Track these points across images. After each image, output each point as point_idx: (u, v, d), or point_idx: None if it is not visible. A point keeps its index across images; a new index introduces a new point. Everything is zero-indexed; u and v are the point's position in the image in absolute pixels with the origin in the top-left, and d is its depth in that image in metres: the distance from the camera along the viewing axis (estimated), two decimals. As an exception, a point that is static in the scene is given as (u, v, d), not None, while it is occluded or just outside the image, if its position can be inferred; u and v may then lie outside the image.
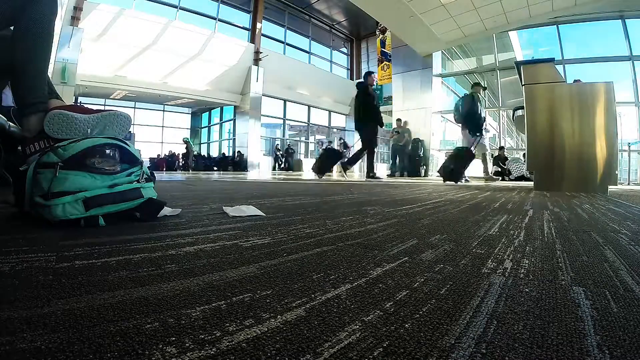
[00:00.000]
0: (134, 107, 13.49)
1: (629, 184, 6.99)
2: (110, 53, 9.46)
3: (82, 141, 0.92)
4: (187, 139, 12.68)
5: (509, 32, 9.95)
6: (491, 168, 6.79)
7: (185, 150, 12.38)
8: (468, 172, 5.01)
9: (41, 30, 0.97)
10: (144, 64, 10.01)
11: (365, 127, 5.24)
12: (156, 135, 14.78)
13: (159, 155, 13.79)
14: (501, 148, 8.68)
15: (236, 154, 12.55)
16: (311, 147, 16.68)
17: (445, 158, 5.39)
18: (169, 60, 10.00)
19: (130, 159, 1.01)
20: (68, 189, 0.84)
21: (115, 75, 9.78)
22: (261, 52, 12.79)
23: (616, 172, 3.16)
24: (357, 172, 14.51)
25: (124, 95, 11.95)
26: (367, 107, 5.19)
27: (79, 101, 8.97)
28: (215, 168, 13.01)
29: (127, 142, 1.02)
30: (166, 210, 1.08)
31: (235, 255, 0.63)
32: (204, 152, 15.18)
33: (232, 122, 14.02)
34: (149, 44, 10.00)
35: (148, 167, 1.09)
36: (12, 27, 0.97)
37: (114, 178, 0.93)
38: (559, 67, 8.01)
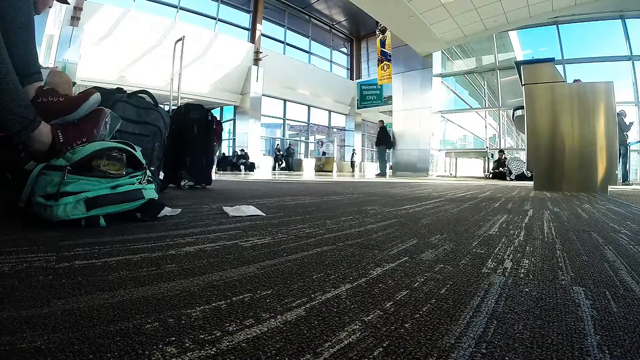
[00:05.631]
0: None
1: (629, 184, 6.99)
2: (112, 55, 9.46)
3: (90, 145, 0.93)
4: None
5: (509, 32, 9.96)
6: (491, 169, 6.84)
7: None
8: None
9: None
10: (145, 65, 10.02)
11: None
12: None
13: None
14: (501, 151, 8.68)
15: (240, 152, 12.45)
16: (311, 147, 16.69)
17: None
18: (170, 62, 10.03)
19: (136, 163, 1.02)
20: (71, 190, 0.84)
21: (117, 76, 9.77)
22: (261, 52, 12.80)
23: (616, 172, 3.17)
24: (357, 172, 14.53)
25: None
26: None
27: None
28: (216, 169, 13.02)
29: (134, 146, 1.03)
30: (166, 210, 1.08)
31: (235, 255, 0.63)
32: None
33: (232, 122, 14.03)
34: (150, 46, 10.00)
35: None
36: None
37: (117, 179, 0.94)
38: (559, 67, 8.02)
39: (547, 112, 3.35)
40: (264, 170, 12.67)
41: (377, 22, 11.82)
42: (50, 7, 1.20)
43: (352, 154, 16.27)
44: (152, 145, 1.57)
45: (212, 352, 0.29)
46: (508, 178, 7.58)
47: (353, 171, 15.23)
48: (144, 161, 1.04)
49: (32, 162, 1.00)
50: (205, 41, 11.16)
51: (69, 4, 1.37)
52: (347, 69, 18.14)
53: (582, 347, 0.32)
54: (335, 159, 14.70)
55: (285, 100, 14.79)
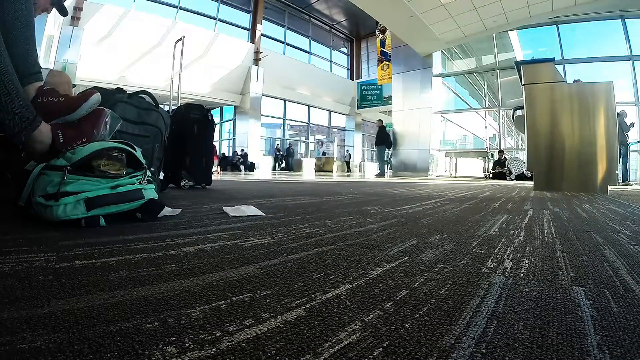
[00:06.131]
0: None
1: (630, 184, 6.99)
2: (112, 55, 9.45)
3: (90, 145, 0.93)
4: None
5: (509, 32, 9.96)
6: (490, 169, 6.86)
7: None
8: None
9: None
10: (145, 65, 10.02)
11: None
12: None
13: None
14: (500, 151, 8.67)
15: (240, 152, 12.41)
16: (311, 147, 16.70)
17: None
18: (170, 62, 10.04)
19: (136, 163, 1.02)
20: (71, 190, 0.84)
21: (117, 76, 9.76)
22: (261, 52, 12.79)
23: (616, 172, 3.17)
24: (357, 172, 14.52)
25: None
26: None
27: None
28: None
29: (134, 146, 1.03)
30: (166, 211, 1.08)
31: (235, 255, 0.63)
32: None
33: (232, 122, 14.04)
34: (150, 46, 10.00)
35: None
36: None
37: (117, 179, 0.94)
38: (559, 67, 8.02)
39: (547, 112, 3.35)
40: (264, 170, 12.67)
41: (377, 22, 11.82)
42: (48, 13, 1.20)
43: (346, 153, 16.35)
44: (152, 146, 1.56)
45: (212, 352, 0.29)
46: (508, 178, 7.58)
47: (348, 171, 15.25)
48: (144, 161, 1.04)
49: (32, 162, 1.00)
50: (205, 41, 11.15)
51: (66, 15, 1.36)
52: (347, 69, 18.13)
53: (582, 347, 0.32)
54: (335, 159, 14.71)
55: (285, 100, 14.78)
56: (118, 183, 0.93)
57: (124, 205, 0.93)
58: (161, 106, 1.70)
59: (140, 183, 0.99)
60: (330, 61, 16.99)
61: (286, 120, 15.45)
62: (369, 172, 14.25)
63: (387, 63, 12.47)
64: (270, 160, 14.09)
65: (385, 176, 8.33)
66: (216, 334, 0.33)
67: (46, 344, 0.30)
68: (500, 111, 10.95)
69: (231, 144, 14.09)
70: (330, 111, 17.06)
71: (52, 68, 6.78)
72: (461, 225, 1.07)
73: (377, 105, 15.39)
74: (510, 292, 0.48)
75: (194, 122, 2.37)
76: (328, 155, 14.96)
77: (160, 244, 0.70)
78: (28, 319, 0.34)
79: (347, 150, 16.90)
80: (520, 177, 7.29)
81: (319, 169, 14.18)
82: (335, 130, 17.87)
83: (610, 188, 3.20)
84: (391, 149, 10.02)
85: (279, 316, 0.38)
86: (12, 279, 0.46)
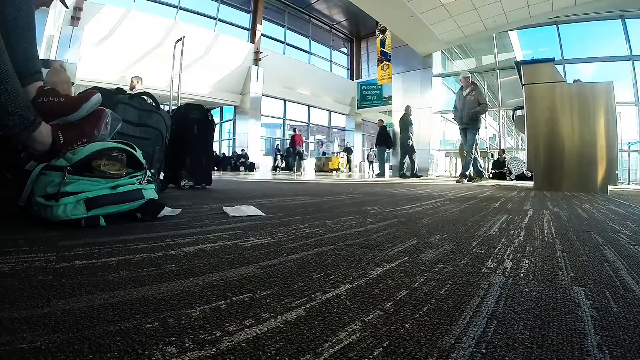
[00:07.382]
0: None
1: (629, 184, 6.99)
2: (112, 55, 9.45)
3: (90, 145, 0.93)
4: None
5: (509, 32, 9.95)
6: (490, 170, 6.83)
7: None
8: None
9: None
10: (146, 66, 10.00)
11: None
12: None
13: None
14: (501, 151, 8.66)
15: (240, 152, 12.39)
16: (311, 147, 16.68)
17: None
18: (170, 64, 10.04)
19: (136, 163, 1.02)
20: (71, 190, 0.84)
21: (117, 77, 9.75)
22: (261, 52, 12.80)
23: (616, 172, 3.16)
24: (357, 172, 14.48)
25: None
26: None
27: None
28: (215, 168, 13.03)
29: (134, 146, 1.03)
30: (166, 211, 1.08)
31: (235, 255, 0.63)
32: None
33: (232, 122, 14.04)
34: (150, 47, 9.99)
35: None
36: None
37: (117, 180, 0.94)
38: (559, 67, 8.01)
39: (547, 112, 3.35)
40: (264, 170, 12.67)
41: (377, 22, 11.82)
42: (47, 7, 1.19)
43: (369, 153, 16.00)
44: (152, 149, 1.55)
45: (212, 352, 0.29)
46: (508, 178, 7.58)
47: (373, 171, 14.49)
48: (144, 161, 1.04)
49: (32, 162, 1.00)
50: (205, 41, 11.15)
51: (67, 7, 1.36)
52: (347, 69, 18.13)
53: (582, 347, 0.32)
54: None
55: (285, 100, 14.78)
56: (118, 183, 0.93)
57: (124, 205, 0.93)
58: (162, 107, 1.70)
59: (140, 183, 0.99)
60: (330, 61, 16.99)
61: (286, 120, 15.44)
62: (369, 172, 14.19)
63: (387, 63, 12.47)
64: (270, 160, 14.08)
65: (386, 176, 8.33)
66: (216, 334, 0.33)
67: (46, 344, 0.30)
68: (500, 111, 10.95)
69: (231, 144, 14.09)
70: (330, 111, 17.05)
71: (54, 61, 6.75)
72: (461, 225, 1.07)
73: (377, 105, 15.37)
74: (510, 292, 0.48)
75: (194, 122, 2.37)
76: (328, 155, 14.93)
77: (160, 244, 0.70)
78: (28, 319, 0.34)
79: (372, 149, 16.54)
80: (520, 177, 7.28)
81: (319, 169, 14.16)
82: (335, 130, 17.87)
83: (610, 188, 3.20)
84: (392, 149, 9.98)
85: (279, 316, 0.38)
86: (12, 279, 0.46)
